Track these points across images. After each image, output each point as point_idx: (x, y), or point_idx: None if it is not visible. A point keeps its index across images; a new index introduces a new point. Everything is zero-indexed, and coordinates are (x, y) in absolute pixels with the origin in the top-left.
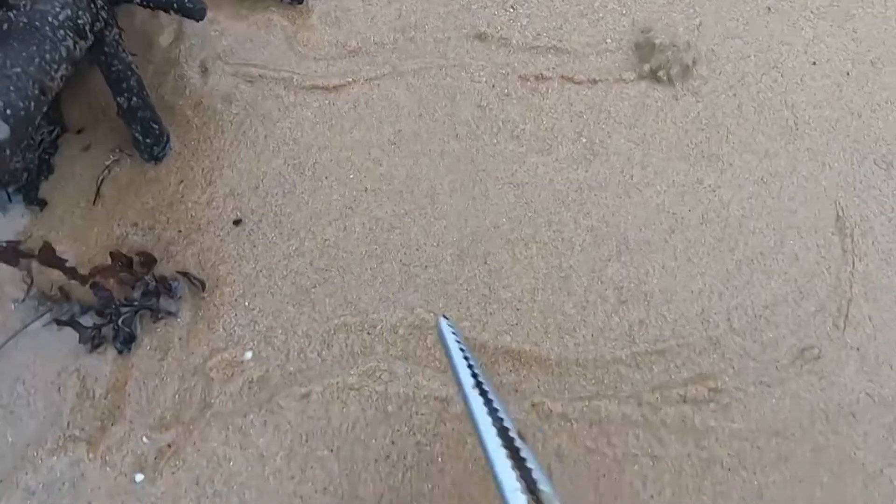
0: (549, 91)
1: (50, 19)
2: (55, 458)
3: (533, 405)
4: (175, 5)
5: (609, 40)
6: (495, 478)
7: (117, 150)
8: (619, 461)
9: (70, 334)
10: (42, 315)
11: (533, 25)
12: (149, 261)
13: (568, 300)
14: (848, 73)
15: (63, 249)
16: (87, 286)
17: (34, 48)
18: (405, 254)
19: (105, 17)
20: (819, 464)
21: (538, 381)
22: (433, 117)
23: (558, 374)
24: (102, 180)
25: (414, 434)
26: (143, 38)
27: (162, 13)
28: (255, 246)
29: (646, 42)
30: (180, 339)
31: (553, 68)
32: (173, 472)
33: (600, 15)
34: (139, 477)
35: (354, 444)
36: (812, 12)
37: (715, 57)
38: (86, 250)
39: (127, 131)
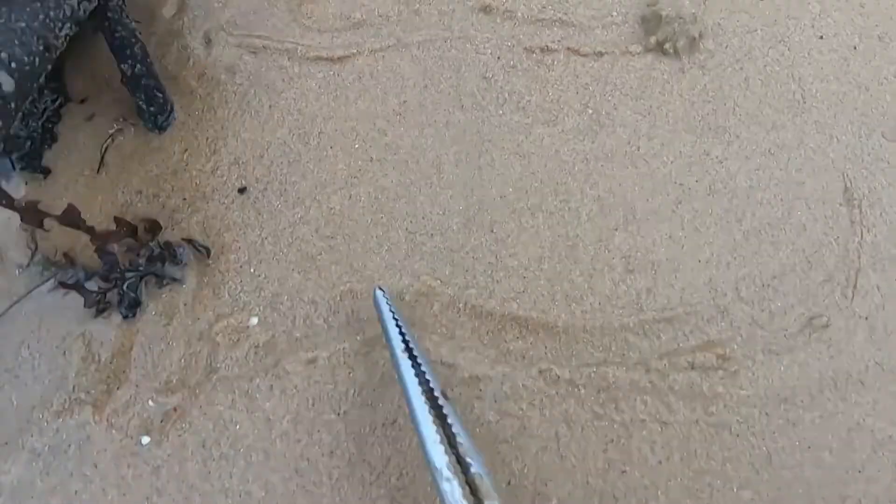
0: (555, 63)
1: None
2: (61, 420)
3: (540, 372)
4: None
5: (615, 13)
6: (418, 431)
7: (121, 120)
8: (627, 427)
9: (75, 300)
10: (47, 280)
11: None
12: (154, 227)
13: (575, 268)
14: (855, 48)
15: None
16: (94, 251)
17: (38, 4)
18: (411, 222)
19: None
20: (828, 430)
21: (545, 347)
22: (438, 88)
23: (565, 342)
24: (106, 149)
25: None
26: (146, 10)
27: None
28: (260, 214)
29: (652, 15)
30: (185, 304)
31: (559, 41)
32: (179, 435)
33: None
34: (145, 440)
35: (361, 408)
36: None
37: (721, 31)
38: (90, 218)
39: (131, 101)
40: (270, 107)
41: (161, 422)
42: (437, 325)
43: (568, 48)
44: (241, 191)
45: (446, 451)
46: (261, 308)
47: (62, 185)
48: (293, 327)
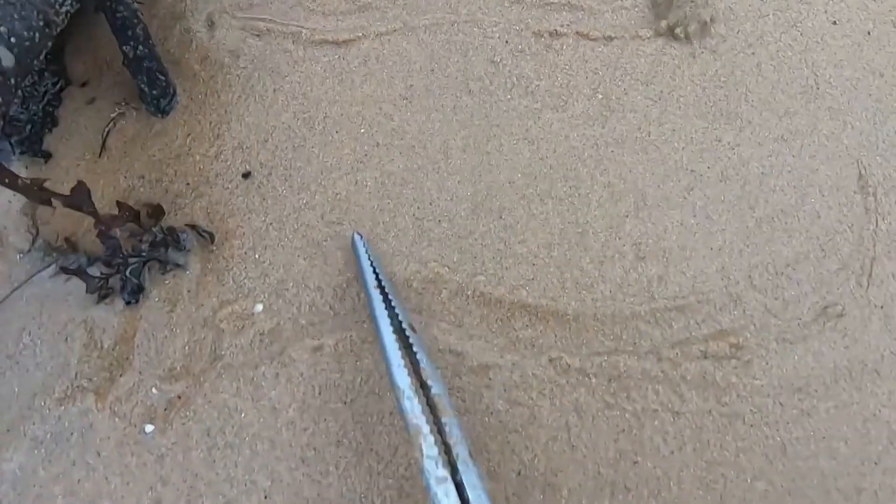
0: (564, 48)
1: None
2: (63, 408)
3: (550, 360)
4: None
5: None
6: (385, 357)
7: (123, 103)
8: (638, 416)
9: (77, 285)
10: (48, 266)
11: None
12: (157, 212)
13: (585, 256)
14: (869, 33)
15: None
16: (96, 236)
17: None
18: (418, 208)
19: None
20: (842, 421)
21: (555, 335)
22: (445, 73)
23: (576, 330)
24: (108, 133)
25: None
26: None
27: None
28: (264, 199)
29: None
30: (189, 291)
31: (568, 25)
32: (184, 424)
33: None
34: (149, 428)
35: (368, 396)
36: None
37: (733, 15)
38: (92, 202)
39: (132, 84)
40: (275, 91)
41: (165, 410)
42: (445, 313)
43: (577, 32)
44: (246, 176)
45: (409, 374)
46: (266, 295)
47: (63, 169)
48: (299, 314)
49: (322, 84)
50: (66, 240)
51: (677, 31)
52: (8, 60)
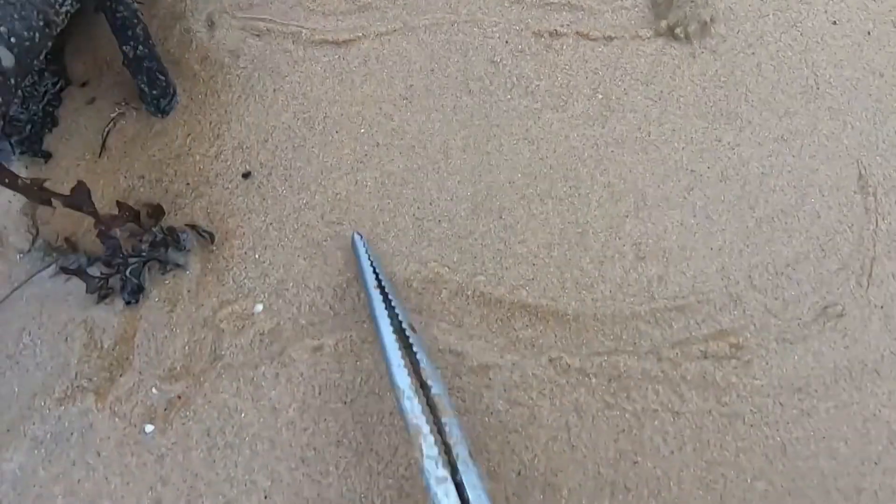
0: (564, 47)
1: None
2: (63, 408)
3: (550, 360)
4: None
5: None
6: (385, 357)
7: (123, 103)
8: (638, 416)
9: (77, 285)
10: (48, 266)
11: None
12: (157, 212)
13: (585, 256)
14: (869, 33)
15: None
16: (96, 236)
17: None
18: (418, 208)
19: None
20: (842, 421)
21: (555, 336)
22: (445, 73)
23: (576, 330)
24: (108, 133)
25: None
26: None
27: None
28: (264, 199)
29: None
30: (189, 291)
31: (568, 24)
32: (184, 424)
33: None
34: (149, 428)
35: (368, 396)
36: None
37: (733, 15)
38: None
39: (132, 84)
40: (275, 91)
41: (165, 410)
42: (445, 313)
43: (577, 32)
44: (246, 176)
45: (409, 374)
46: (266, 295)
47: (63, 169)
48: (299, 314)
49: (322, 84)
50: (66, 240)
51: (677, 31)
52: (8, 60)
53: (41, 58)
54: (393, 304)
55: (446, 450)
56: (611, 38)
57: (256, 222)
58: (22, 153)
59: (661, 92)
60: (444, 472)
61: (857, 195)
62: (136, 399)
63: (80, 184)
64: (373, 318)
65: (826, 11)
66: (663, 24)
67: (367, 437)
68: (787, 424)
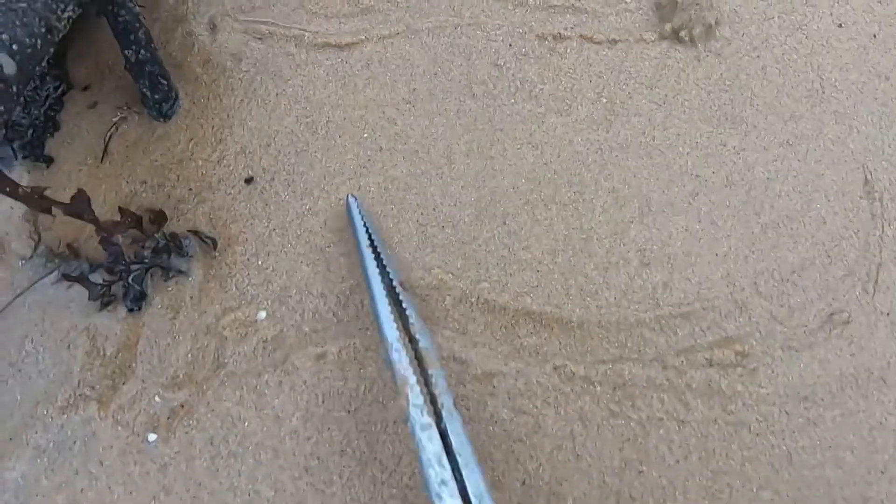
0: (568, 51)
1: None
2: (65, 416)
3: (555, 368)
4: None
5: (628, 0)
6: (375, 312)
7: (125, 108)
8: (643, 425)
9: (79, 292)
10: (51, 272)
11: None
12: (159, 218)
13: (589, 262)
14: (875, 36)
15: None
16: (98, 243)
17: None
18: (422, 214)
19: None
20: (849, 429)
21: (560, 343)
22: (448, 76)
23: (580, 337)
24: (110, 137)
25: None
26: None
27: None
28: (267, 205)
29: (667, 1)
30: (192, 297)
31: (571, 28)
32: (187, 432)
33: None
34: (152, 436)
35: (372, 405)
36: None
37: (738, 18)
38: (93, 208)
39: (134, 88)
40: (277, 94)
41: (168, 418)
42: (448, 320)
43: (581, 35)
44: (248, 181)
45: (398, 328)
46: (269, 301)
47: (65, 174)
48: (302, 321)
49: (325, 88)
50: (69, 246)
51: (682, 34)
52: (10, 68)
53: (43, 64)
54: (385, 263)
55: (432, 399)
56: (615, 42)
57: (259, 228)
58: (24, 158)
59: (666, 96)
60: (428, 420)
61: (862, 200)
62: (138, 407)
63: (80, 192)
64: (364, 277)
65: (832, 14)
66: (668, 27)
67: (371, 447)
68: (793, 433)
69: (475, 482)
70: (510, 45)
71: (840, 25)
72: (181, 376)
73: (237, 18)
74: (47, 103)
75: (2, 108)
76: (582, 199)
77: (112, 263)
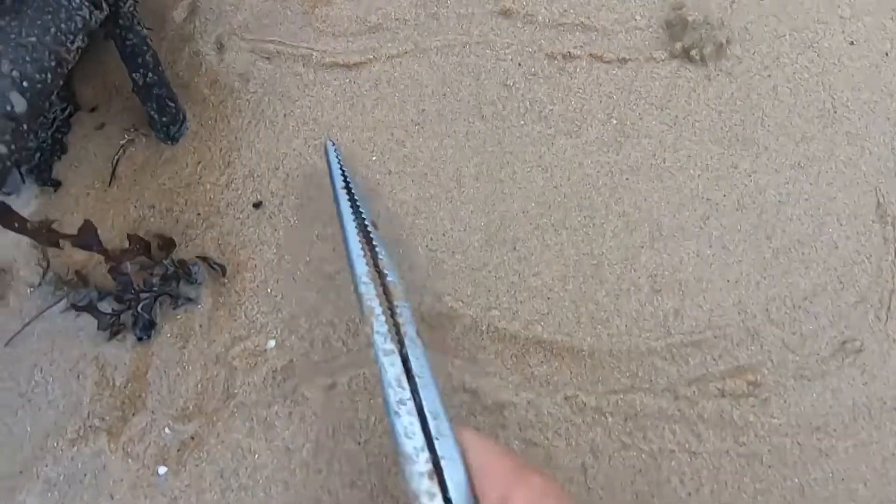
0: (578, 70)
1: None
2: (76, 448)
3: (566, 398)
4: None
5: (638, 17)
6: (346, 247)
7: (132, 129)
8: (655, 457)
9: (88, 321)
10: (59, 300)
11: (559, 1)
12: (167, 244)
13: (600, 288)
14: (887, 54)
15: None
16: (107, 272)
17: (49, 17)
18: (431, 239)
19: None
20: (862, 461)
21: (571, 372)
22: (457, 97)
23: (591, 366)
24: (118, 161)
25: None
26: (156, 14)
27: None
28: (276, 230)
29: (677, 19)
30: (201, 326)
31: (581, 46)
32: (197, 465)
33: None
34: (162, 469)
35: (383, 436)
36: None
37: (749, 35)
38: (102, 233)
39: (142, 109)
40: (285, 116)
41: (178, 451)
42: (458, 349)
43: (591, 54)
44: (257, 205)
45: (367, 263)
46: (278, 330)
47: (73, 198)
48: (311, 350)
49: (333, 109)
50: (77, 273)
51: (692, 53)
52: (20, 106)
53: (53, 97)
54: (358, 203)
55: (395, 328)
56: (625, 61)
57: (268, 254)
58: (31, 182)
59: (677, 116)
60: (391, 346)
61: (875, 224)
62: (148, 440)
63: (87, 223)
64: (338, 215)
65: (843, 31)
66: (678, 45)
67: (381, 480)
68: (806, 465)
69: (431, 401)
70: (519, 65)
71: (852, 43)
72: (191, 407)
73: (244, 37)
74: (55, 126)
75: (13, 146)
76: (592, 223)
77: (121, 292)
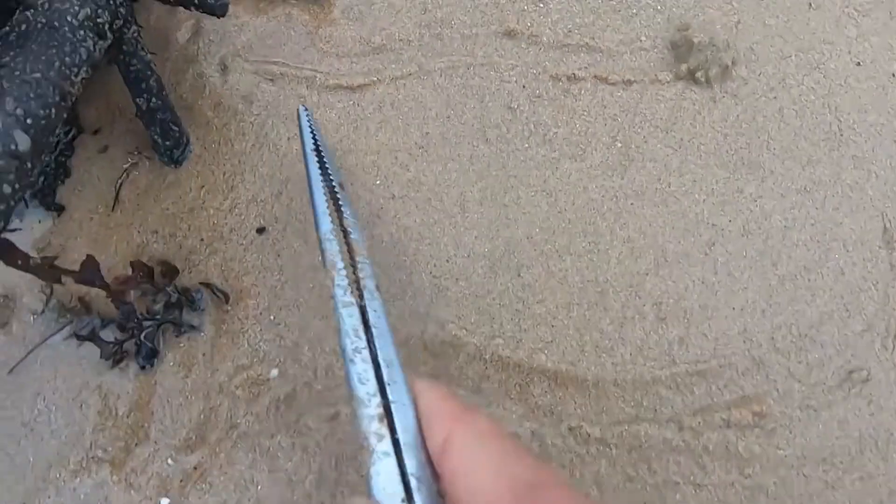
0: (582, 92)
1: (69, 19)
2: (78, 479)
3: (570, 429)
4: (196, 1)
5: (644, 38)
6: (312, 205)
7: (136, 152)
8: (660, 489)
9: (91, 348)
10: (62, 328)
11: (564, 22)
12: (170, 271)
13: (605, 316)
14: (894, 75)
15: (83, 257)
16: (110, 301)
17: (54, 51)
18: (435, 265)
19: (124, 13)
20: (868, 493)
21: (575, 402)
22: (461, 120)
23: (596, 396)
24: (121, 185)
25: None
26: (160, 35)
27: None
28: (279, 256)
29: (683, 40)
30: (204, 354)
31: (586, 67)
32: (200, 497)
33: (634, 11)
34: (165, 501)
35: None
36: (855, 9)
37: (754, 57)
38: (105, 259)
39: (145, 132)
40: (289, 139)
41: (181, 481)
42: (462, 378)
43: (595, 76)
44: (260, 231)
45: (332, 221)
46: (281, 358)
47: (76, 222)
48: (314, 379)
49: (336, 132)
50: (80, 300)
51: (698, 75)
52: (24, 144)
53: (56, 132)
54: (327, 164)
55: (356, 282)
56: (630, 83)
57: (271, 281)
58: (36, 206)
59: (682, 140)
60: (350, 299)
61: (881, 250)
62: (151, 470)
63: (90, 258)
64: (307, 175)
65: (850, 52)
66: (683, 67)
67: None
68: (812, 498)
69: (386, 350)
70: (524, 87)
71: (858, 64)
72: (194, 438)
73: (248, 59)
74: (58, 149)
75: (17, 186)
76: (597, 249)
77: (124, 320)
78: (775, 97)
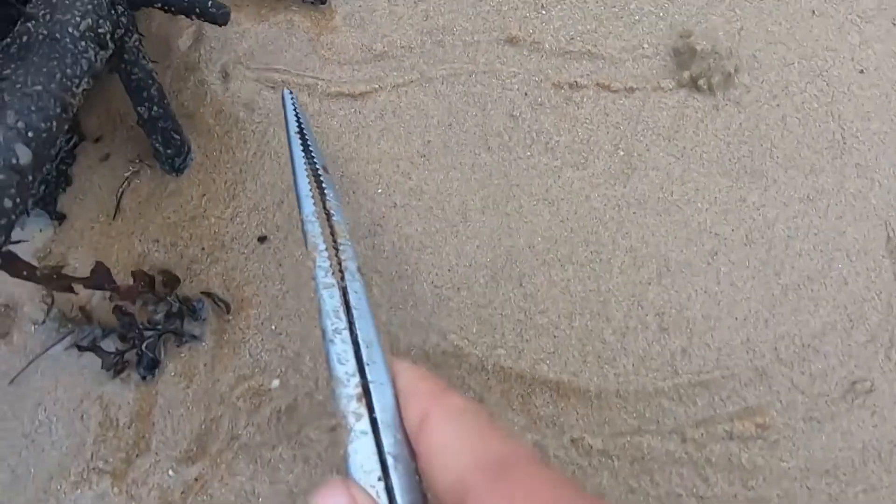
0: (584, 100)
1: (70, 30)
2: (79, 491)
3: (572, 440)
4: (197, 9)
5: (646, 45)
6: (295, 188)
7: (137, 161)
8: (662, 501)
9: (92, 358)
10: (63, 338)
11: (566, 29)
12: (171, 280)
13: (607, 326)
14: None
15: (84, 266)
16: (111, 311)
17: (55, 63)
18: (436, 275)
19: (125, 22)
20: None
21: (577, 413)
22: (463, 128)
23: (598, 407)
24: (122, 193)
25: None
26: (161, 42)
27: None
28: (280, 265)
29: (685, 48)
30: (205, 364)
31: (588, 75)
32: None
33: (636, 18)
34: None
35: None
36: (859, 16)
37: (757, 64)
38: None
39: (146, 140)
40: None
41: (182, 493)
42: (464, 389)
43: (597, 83)
44: (262, 240)
45: (315, 203)
46: (282, 369)
47: (78, 231)
48: (315, 389)
49: (338, 140)
50: (81, 309)
51: (700, 82)
52: (25, 157)
53: (57, 144)
54: (311, 148)
55: (338, 264)
56: (632, 90)
57: (272, 290)
58: (38, 215)
59: (684, 148)
60: (331, 280)
61: (885, 260)
62: (152, 482)
63: (99, 265)
64: (290, 157)
65: (853, 59)
66: (686, 74)
67: None
68: None
69: (366, 331)
70: (526, 94)
71: (861, 71)
72: (195, 449)
73: (249, 66)
74: (59, 157)
75: (18, 199)
76: (599, 258)
77: (125, 330)
78: (778, 105)
